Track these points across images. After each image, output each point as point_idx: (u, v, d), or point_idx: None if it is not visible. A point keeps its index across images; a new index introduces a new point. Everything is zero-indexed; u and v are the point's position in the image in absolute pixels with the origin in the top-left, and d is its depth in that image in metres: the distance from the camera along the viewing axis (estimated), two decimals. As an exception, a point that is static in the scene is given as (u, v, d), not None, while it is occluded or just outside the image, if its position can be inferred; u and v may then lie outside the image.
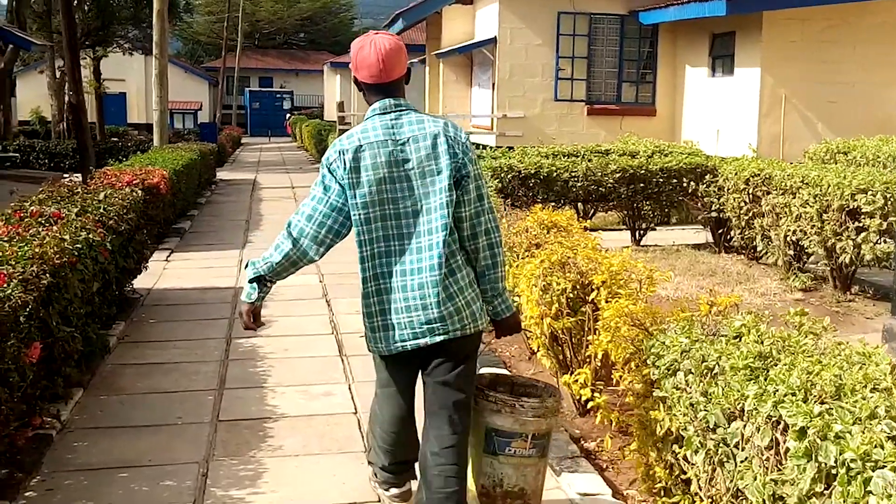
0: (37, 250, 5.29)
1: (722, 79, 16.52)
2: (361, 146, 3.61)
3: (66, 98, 24.06)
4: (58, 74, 31.93)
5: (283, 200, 18.03)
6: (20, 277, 4.71)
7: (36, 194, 7.59)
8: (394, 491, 4.09)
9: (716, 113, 16.48)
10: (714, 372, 3.44)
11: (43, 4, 31.59)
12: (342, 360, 6.82)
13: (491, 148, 14.56)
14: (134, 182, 10.98)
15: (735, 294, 8.29)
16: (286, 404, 5.82)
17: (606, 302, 5.11)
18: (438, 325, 3.59)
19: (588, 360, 5.29)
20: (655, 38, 18.23)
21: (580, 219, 11.93)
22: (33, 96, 46.38)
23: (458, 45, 19.96)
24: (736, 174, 10.11)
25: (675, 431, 3.70)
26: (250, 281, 3.83)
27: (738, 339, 3.65)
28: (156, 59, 19.27)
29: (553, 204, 11.11)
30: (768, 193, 9.45)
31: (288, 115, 53.05)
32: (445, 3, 20.06)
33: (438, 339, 3.61)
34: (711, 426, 3.33)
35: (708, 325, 3.93)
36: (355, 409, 5.74)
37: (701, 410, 3.41)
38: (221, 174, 24.86)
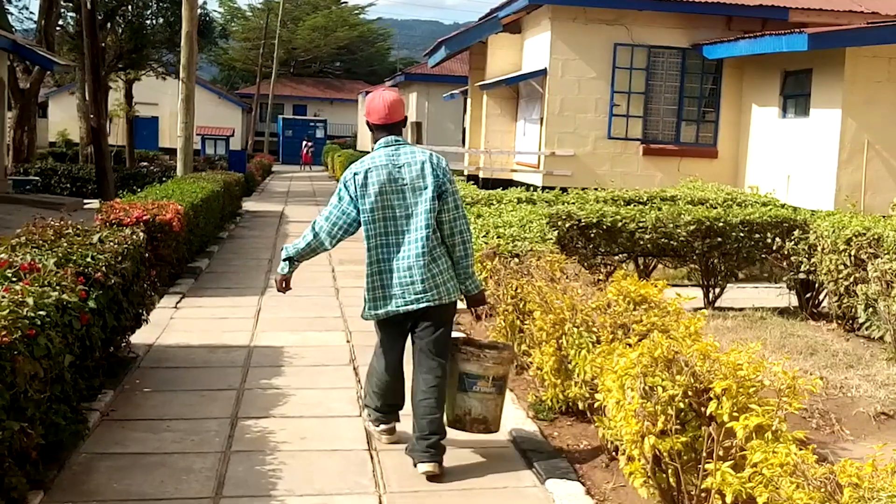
0: (-24, 324, 4.00)
1: (794, 120, 15.11)
2: (370, 169, 5.19)
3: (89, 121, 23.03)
4: (87, 97, 31.05)
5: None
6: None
7: (10, 238, 6.30)
8: (382, 426, 5.58)
9: (786, 157, 15.06)
10: None
11: (76, 25, 30.78)
12: (371, 458, 5.44)
13: (537, 188, 13.25)
14: (144, 218, 9.80)
15: (849, 381, 6.88)
16: (298, 531, 4.46)
17: (732, 418, 3.77)
18: (423, 295, 5.09)
19: (705, 496, 3.90)
20: (720, 74, 16.90)
21: (640, 274, 10.64)
22: (65, 118, 45.82)
23: (505, 77, 18.67)
24: (834, 232, 8.71)
25: None
26: (284, 259, 5.44)
27: None
28: (182, 82, 18.11)
29: (616, 258, 9.80)
30: (876, 257, 8.03)
31: (304, 143, 51.59)
32: (492, 32, 18.83)
33: (423, 305, 5.10)
34: None
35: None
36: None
37: None
38: (248, 204, 23.65)
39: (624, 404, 4.30)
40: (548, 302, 6.17)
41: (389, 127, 5.30)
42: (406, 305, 5.10)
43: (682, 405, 4.07)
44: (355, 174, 5.18)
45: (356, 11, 71.47)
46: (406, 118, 5.41)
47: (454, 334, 5.52)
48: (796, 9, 16.46)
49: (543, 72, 16.87)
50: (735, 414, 3.84)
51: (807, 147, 14.46)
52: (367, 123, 5.38)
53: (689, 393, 4.07)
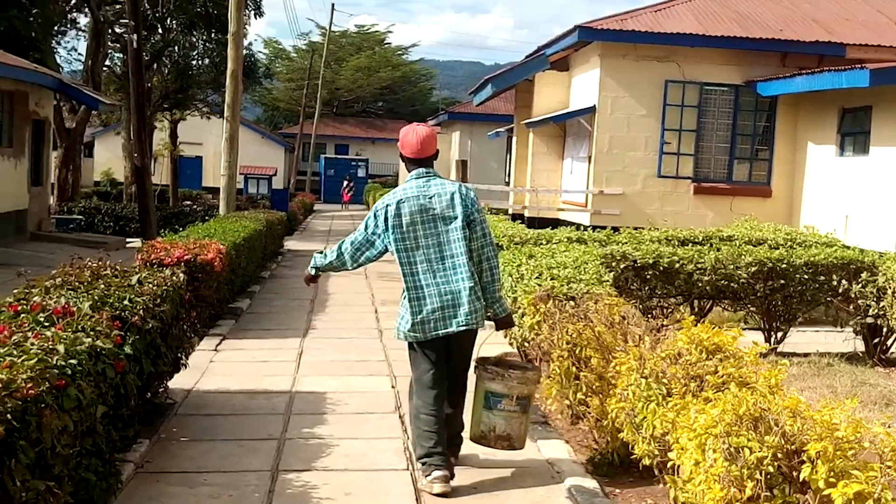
0: (2, 375, 3.70)
1: (853, 158, 14.63)
2: (402, 200, 5.46)
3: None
4: (132, 136, 31.25)
5: (352, 276, 16.03)
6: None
7: (44, 279, 6.04)
8: (437, 473, 5.27)
9: (844, 196, 14.56)
10: None
11: (123, 66, 31.07)
12: (421, 518, 5.07)
13: (585, 228, 12.87)
14: (185, 258, 9.55)
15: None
16: None
17: (829, 485, 3.37)
18: (464, 318, 5.33)
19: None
20: (773, 112, 16.48)
21: (696, 317, 10.19)
22: (111, 157, 46.26)
23: (552, 114, 18.37)
24: (907, 275, 8.24)
25: None
26: (312, 267, 5.87)
27: None
28: (227, 121, 18.03)
29: (672, 300, 9.38)
30: (955, 301, 7.54)
31: (346, 183, 51.29)
32: (539, 69, 18.59)
33: (463, 328, 5.34)
34: None
35: None
36: None
37: None
38: (290, 243, 23.50)
39: (704, 466, 3.89)
40: (609, 350, 5.79)
41: (421, 160, 5.59)
42: (447, 329, 5.35)
43: (771, 469, 3.66)
44: (388, 205, 5.49)
45: (399, 52, 71.86)
46: (437, 152, 5.69)
47: (487, 353, 5.93)
48: (854, 45, 16.03)
49: (592, 109, 16.56)
50: (832, 480, 3.43)
51: (866, 186, 13.97)
52: (401, 156, 5.67)
53: (779, 455, 3.67)
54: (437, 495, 5.24)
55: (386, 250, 5.59)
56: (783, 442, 3.66)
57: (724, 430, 3.79)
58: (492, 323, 5.75)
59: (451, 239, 5.39)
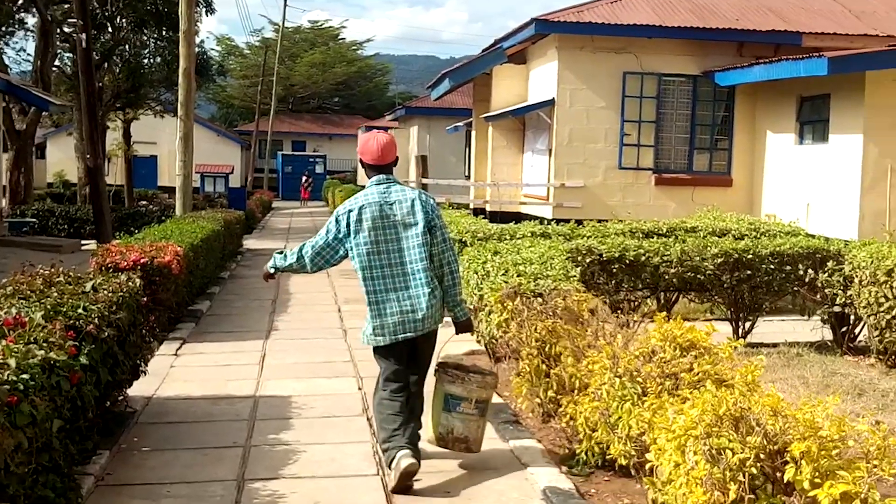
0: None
1: (812, 146, 14.67)
2: (363, 206, 5.58)
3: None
4: (84, 136, 30.69)
5: (314, 275, 15.90)
6: None
7: (-6, 288, 5.80)
8: (401, 453, 5.28)
9: (805, 185, 14.60)
10: None
11: (73, 66, 30.48)
12: (394, 527, 4.92)
13: (547, 221, 12.78)
14: (142, 261, 9.34)
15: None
16: None
17: (814, 485, 3.30)
18: (422, 322, 5.48)
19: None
20: (732, 101, 16.47)
21: (661, 308, 10.12)
22: (64, 158, 45.48)
23: (511, 108, 18.23)
24: (873, 263, 8.22)
25: None
26: (272, 266, 5.91)
27: None
28: (181, 120, 17.73)
29: (639, 294, 9.31)
30: (922, 289, 7.53)
31: (304, 179, 51.16)
32: (497, 63, 18.45)
33: (422, 332, 5.51)
34: None
35: None
36: None
37: None
38: (249, 242, 23.19)
39: (685, 468, 3.79)
40: (580, 347, 5.68)
41: (381, 167, 5.71)
42: (406, 333, 5.48)
43: (754, 470, 3.56)
44: (349, 210, 5.60)
45: (354, 47, 71.41)
46: (397, 159, 5.84)
47: (454, 350, 6.47)
48: (810, 33, 16.07)
49: (551, 102, 16.46)
50: (817, 480, 3.35)
51: (827, 174, 14.00)
52: (361, 162, 5.81)
53: (762, 456, 3.58)
54: (404, 475, 5.24)
55: (346, 255, 5.69)
56: (766, 442, 3.58)
57: (705, 431, 3.70)
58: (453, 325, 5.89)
59: (411, 245, 5.51)
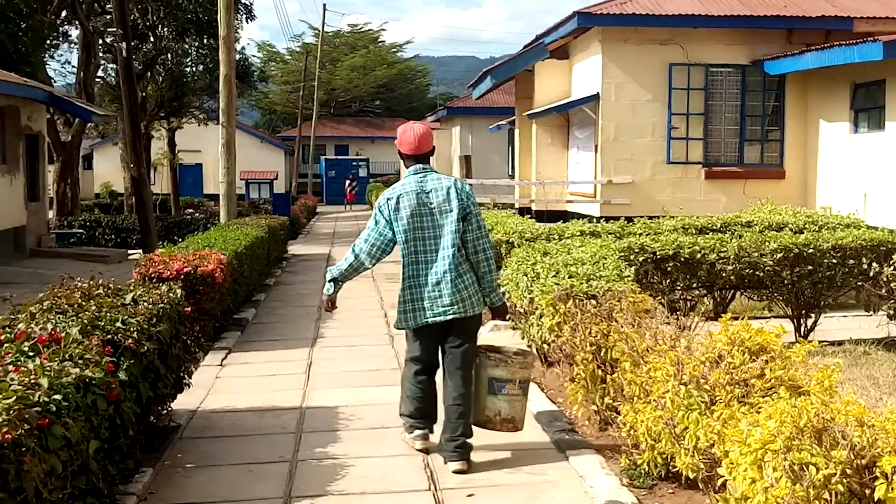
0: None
1: (868, 135, 14.20)
2: (401, 195, 5.78)
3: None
4: (128, 146, 30.86)
5: (359, 280, 15.55)
6: None
7: (30, 303, 5.64)
8: (416, 432, 5.97)
9: (861, 174, 14.14)
10: None
11: (117, 76, 30.67)
12: (448, 545, 4.67)
13: (596, 219, 12.45)
14: (185, 270, 9.18)
15: None
16: None
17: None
18: (449, 307, 5.66)
19: None
20: (782, 91, 16.06)
21: (718, 307, 9.78)
22: (110, 169, 45.91)
23: (555, 104, 17.93)
24: (944, 254, 7.82)
25: None
26: (329, 280, 5.94)
27: None
28: (223, 126, 17.63)
29: (696, 292, 8.98)
30: None
31: (348, 182, 50.28)
32: (538, 59, 18.16)
33: (450, 317, 5.68)
34: None
35: None
36: None
37: None
38: (294, 248, 23.11)
39: (763, 485, 3.49)
40: (638, 352, 5.39)
41: (418, 157, 5.88)
42: (434, 317, 5.68)
43: (840, 487, 3.26)
44: (388, 199, 5.82)
45: (393, 50, 71.39)
46: (434, 148, 6.01)
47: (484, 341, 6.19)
48: (861, 18, 15.61)
49: (596, 97, 16.14)
50: (913, 499, 3.04)
51: (885, 163, 13.54)
52: (399, 152, 5.96)
53: (849, 472, 3.28)
54: (420, 451, 5.92)
55: (396, 240, 5.85)
56: (852, 456, 3.28)
57: (785, 445, 3.39)
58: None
59: (445, 232, 5.70)
